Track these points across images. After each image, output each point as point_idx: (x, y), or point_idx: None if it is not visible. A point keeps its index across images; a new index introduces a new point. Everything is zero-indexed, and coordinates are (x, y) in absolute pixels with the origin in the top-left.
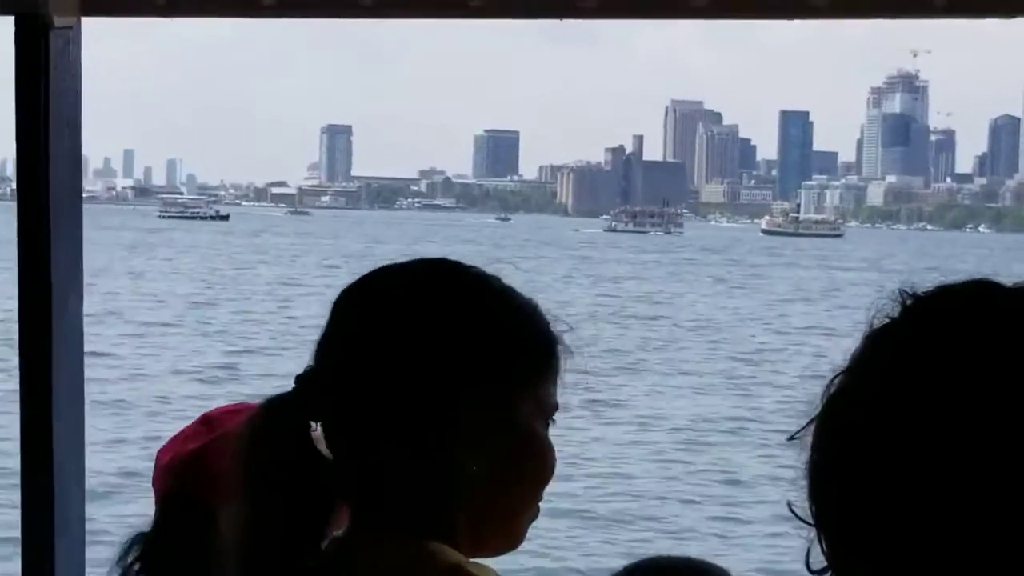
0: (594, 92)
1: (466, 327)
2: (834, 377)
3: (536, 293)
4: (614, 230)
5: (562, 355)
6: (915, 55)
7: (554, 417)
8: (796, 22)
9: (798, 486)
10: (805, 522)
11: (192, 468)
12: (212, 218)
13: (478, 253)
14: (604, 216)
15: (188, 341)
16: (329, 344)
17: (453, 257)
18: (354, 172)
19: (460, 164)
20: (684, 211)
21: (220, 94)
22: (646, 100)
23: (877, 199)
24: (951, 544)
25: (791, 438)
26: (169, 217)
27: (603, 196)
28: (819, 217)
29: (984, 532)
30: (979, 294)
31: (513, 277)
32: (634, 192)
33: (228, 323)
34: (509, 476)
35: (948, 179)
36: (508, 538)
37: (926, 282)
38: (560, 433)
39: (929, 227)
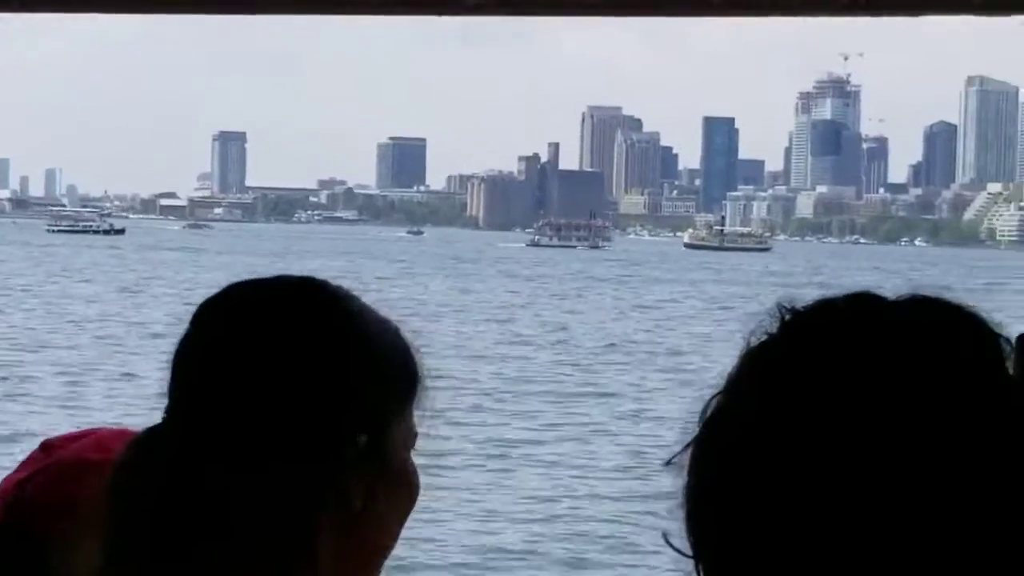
0: (507, 97)
1: (333, 353)
2: (711, 399)
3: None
4: (537, 244)
5: (424, 380)
6: (846, 58)
7: (414, 445)
8: (720, 22)
9: (675, 515)
10: (682, 554)
11: (21, 497)
12: (106, 232)
13: (402, 271)
14: (519, 229)
15: None
16: (190, 370)
17: (362, 277)
18: (248, 182)
19: (362, 174)
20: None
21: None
22: (563, 105)
23: (807, 210)
24: (837, 569)
25: (667, 463)
26: (58, 231)
27: (516, 208)
28: (745, 230)
29: (871, 556)
30: (859, 308)
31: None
32: (549, 203)
33: None
34: (378, 508)
35: (881, 189)
36: (372, 572)
37: (806, 297)
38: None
39: (862, 240)
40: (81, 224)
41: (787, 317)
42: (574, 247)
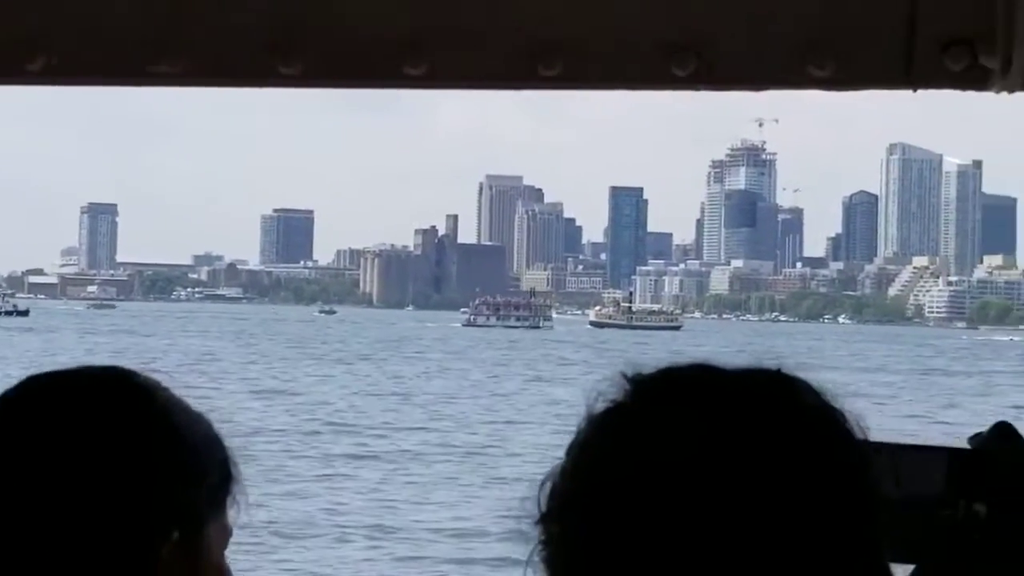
0: (396, 167)
1: (140, 447)
2: (554, 469)
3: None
4: (474, 324)
5: (239, 476)
6: (760, 124)
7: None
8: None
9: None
10: None
11: None
12: (8, 313)
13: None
14: (411, 307)
15: None
16: None
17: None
18: (120, 257)
19: (242, 248)
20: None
21: None
22: (459, 176)
23: (722, 286)
24: None
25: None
26: None
27: (413, 284)
28: (655, 307)
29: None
30: (702, 377)
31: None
32: (447, 279)
33: None
34: None
35: (799, 263)
36: None
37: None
38: None
39: (782, 318)
40: None
41: (631, 385)
42: (514, 327)
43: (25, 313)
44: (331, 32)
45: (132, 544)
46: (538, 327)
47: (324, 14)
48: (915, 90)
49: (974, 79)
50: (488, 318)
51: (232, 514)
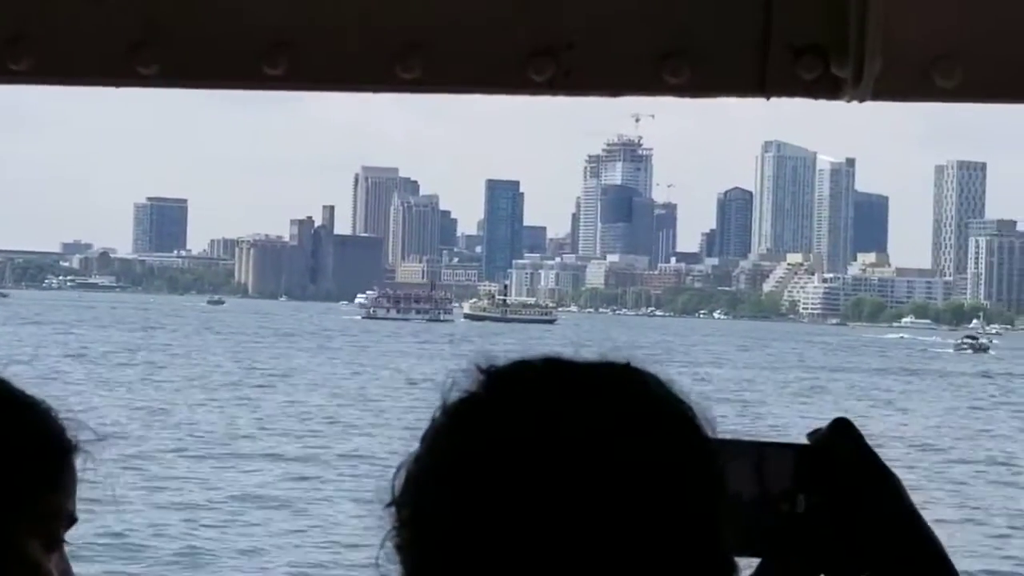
0: (271, 158)
1: None
2: (408, 457)
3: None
4: (374, 316)
5: (78, 461)
6: (637, 120)
7: (68, 528)
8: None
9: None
10: None
11: None
12: None
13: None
14: (285, 297)
15: None
16: None
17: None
18: None
19: (114, 237)
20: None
21: None
22: (335, 168)
23: (598, 280)
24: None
25: (389, 536)
26: None
27: (288, 275)
28: (530, 300)
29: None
30: (552, 367)
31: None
32: (323, 270)
33: None
34: None
35: (673, 259)
36: None
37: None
38: None
39: (658, 312)
40: None
41: (486, 375)
42: (411, 320)
43: None
44: (189, 32)
45: None
46: (439, 320)
47: (183, 13)
48: (768, 98)
49: (826, 88)
50: (388, 310)
51: (67, 500)
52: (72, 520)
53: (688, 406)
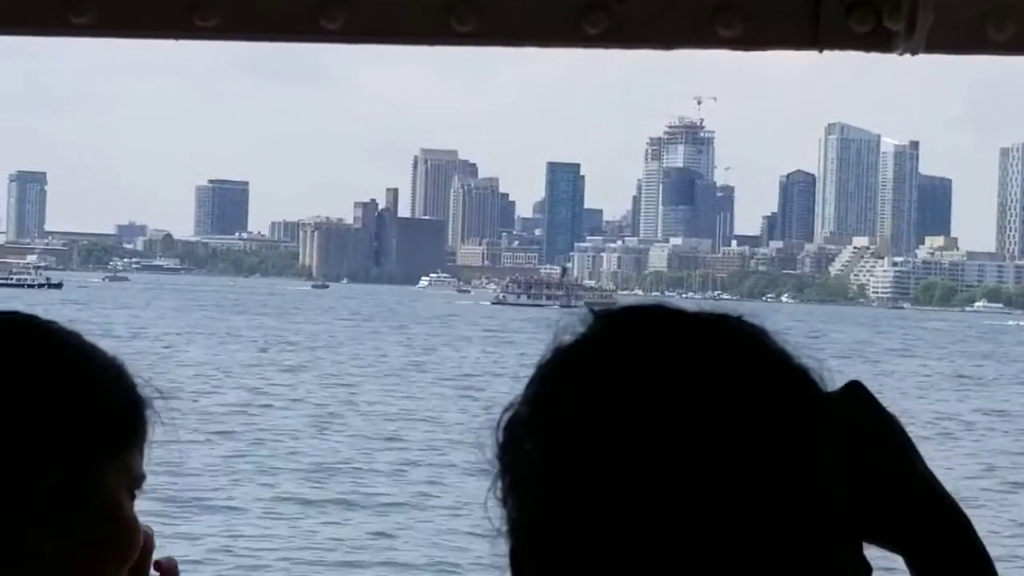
0: (323, 138)
1: (38, 391)
2: (514, 399)
3: None
4: (504, 303)
5: (150, 421)
6: (699, 102)
7: (141, 487)
8: (549, 59)
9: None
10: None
11: None
12: (40, 286)
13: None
14: (346, 280)
15: None
16: None
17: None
18: (47, 227)
19: (167, 219)
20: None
21: None
22: (390, 148)
23: (661, 264)
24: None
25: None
26: None
27: (352, 258)
28: (591, 284)
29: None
30: (668, 312)
31: None
32: (387, 253)
33: None
34: (90, 557)
35: (733, 242)
36: None
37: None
38: None
39: (724, 296)
40: (15, 278)
41: (598, 318)
42: (543, 305)
43: (58, 286)
44: None
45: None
46: (570, 306)
47: None
48: (820, 51)
49: (879, 41)
50: (519, 296)
51: (140, 458)
52: (143, 478)
53: (804, 363)
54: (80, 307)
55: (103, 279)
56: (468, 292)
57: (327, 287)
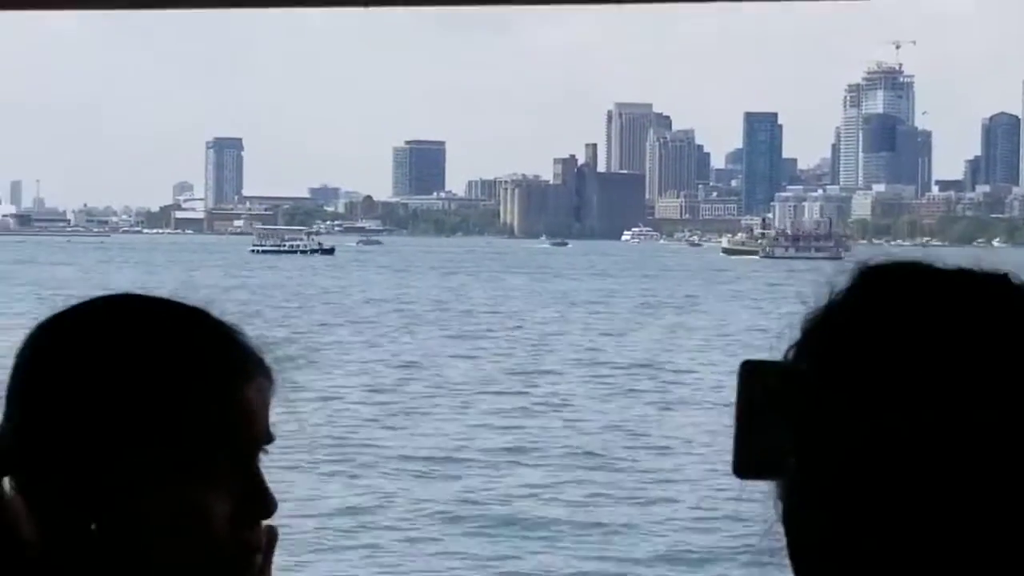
0: (511, 92)
1: (162, 373)
2: (787, 354)
3: None
4: (771, 256)
5: (273, 382)
6: (898, 47)
7: (266, 448)
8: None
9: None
10: None
11: None
12: (313, 252)
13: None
14: (545, 238)
15: None
16: (16, 390)
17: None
18: (245, 192)
19: (361, 181)
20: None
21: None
22: (579, 101)
23: (864, 211)
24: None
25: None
26: (265, 252)
27: (553, 215)
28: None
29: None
30: (923, 266)
31: None
32: (588, 209)
33: None
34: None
35: (935, 187)
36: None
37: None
38: None
39: (933, 242)
40: (288, 244)
41: (866, 272)
42: (812, 258)
43: (331, 251)
44: None
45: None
46: (839, 258)
47: None
48: None
49: None
50: (787, 248)
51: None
52: (271, 439)
53: None
54: (400, 273)
55: (356, 243)
56: (699, 246)
57: (566, 244)
